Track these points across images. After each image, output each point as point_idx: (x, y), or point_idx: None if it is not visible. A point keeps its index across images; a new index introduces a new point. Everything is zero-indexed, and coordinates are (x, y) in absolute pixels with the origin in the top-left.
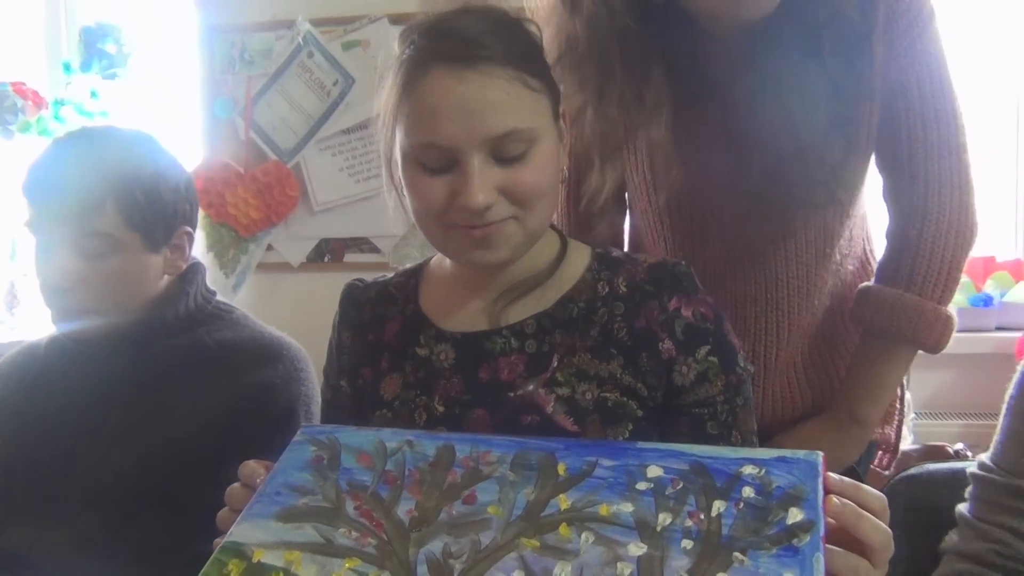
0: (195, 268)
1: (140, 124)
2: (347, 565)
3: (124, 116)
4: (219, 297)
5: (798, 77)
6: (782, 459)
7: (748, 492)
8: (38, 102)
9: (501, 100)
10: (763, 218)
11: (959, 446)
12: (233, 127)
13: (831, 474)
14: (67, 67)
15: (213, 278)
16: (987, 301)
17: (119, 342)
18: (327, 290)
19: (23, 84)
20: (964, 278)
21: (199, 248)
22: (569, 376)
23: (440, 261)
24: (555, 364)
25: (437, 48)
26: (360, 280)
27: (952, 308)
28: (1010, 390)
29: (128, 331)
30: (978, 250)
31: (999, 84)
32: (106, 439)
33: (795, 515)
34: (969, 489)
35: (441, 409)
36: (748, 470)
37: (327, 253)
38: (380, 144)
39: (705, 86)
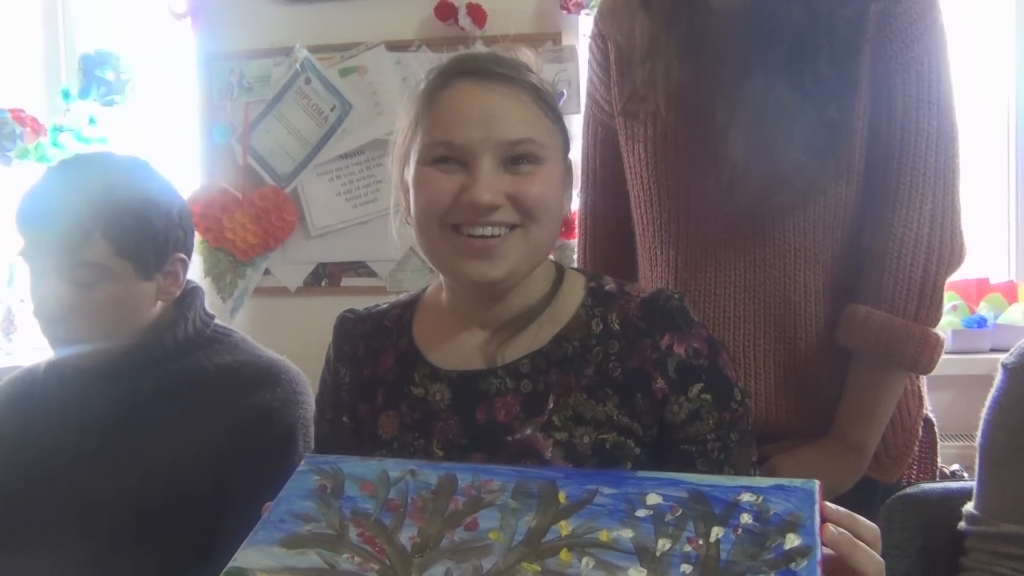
0: (194, 292)
1: (138, 150)
2: None
3: (122, 142)
4: (217, 321)
5: (792, 71)
6: (779, 487)
7: (746, 519)
8: (37, 129)
9: (520, 110)
10: (744, 202)
11: (955, 467)
12: (231, 153)
13: (827, 503)
14: (66, 94)
15: (210, 302)
16: (981, 323)
17: (117, 367)
18: (325, 314)
19: (22, 111)
20: (958, 300)
21: (197, 273)
22: (566, 420)
23: (435, 293)
24: (551, 405)
25: (460, 67)
26: (351, 311)
27: (939, 327)
28: (979, 438)
29: (126, 356)
30: (971, 272)
31: (991, 106)
32: (104, 464)
33: (792, 541)
34: (964, 543)
35: (440, 453)
36: (746, 497)
37: (324, 277)
38: (393, 170)
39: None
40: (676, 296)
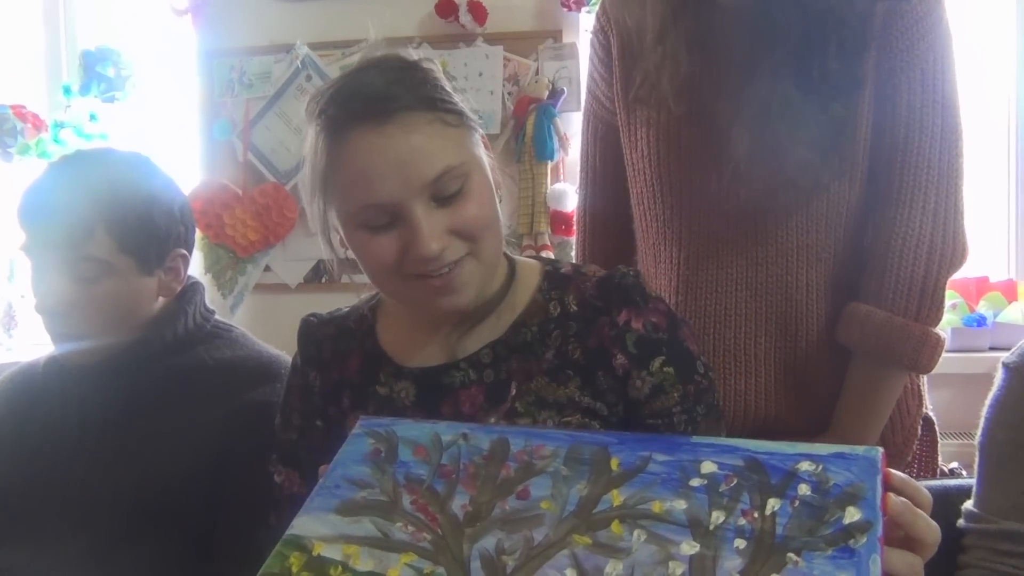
0: (194, 287)
1: (139, 147)
2: (403, 560)
3: (123, 139)
4: (217, 316)
5: (798, 68)
6: (840, 455)
7: (804, 490)
8: (38, 125)
9: (426, 143)
10: (747, 199)
11: (953, 465)
12: (231, 149)
13: (892, 471)
14: (67, 90)
15: (211, 299)
16: (980, 321)
17: (117, 362)
18: (324, 311)
19: (23, 107)
20: (957, 298)
21: (197, 269)
22: (528, 405)
23: None
24: (513, 392)
25: (349, 111)
26: (315, 316)
27: (940, 327)
28: (979, 436)
29: (126, 351)
30: (971, 271)
31: (991, 105)
32: (104, 459)
33: (852, 514)
34: (963, 541)
35: None
36: (804, 466)
37: (324, 274)
38: (310, 216)
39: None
40: (632, 272)
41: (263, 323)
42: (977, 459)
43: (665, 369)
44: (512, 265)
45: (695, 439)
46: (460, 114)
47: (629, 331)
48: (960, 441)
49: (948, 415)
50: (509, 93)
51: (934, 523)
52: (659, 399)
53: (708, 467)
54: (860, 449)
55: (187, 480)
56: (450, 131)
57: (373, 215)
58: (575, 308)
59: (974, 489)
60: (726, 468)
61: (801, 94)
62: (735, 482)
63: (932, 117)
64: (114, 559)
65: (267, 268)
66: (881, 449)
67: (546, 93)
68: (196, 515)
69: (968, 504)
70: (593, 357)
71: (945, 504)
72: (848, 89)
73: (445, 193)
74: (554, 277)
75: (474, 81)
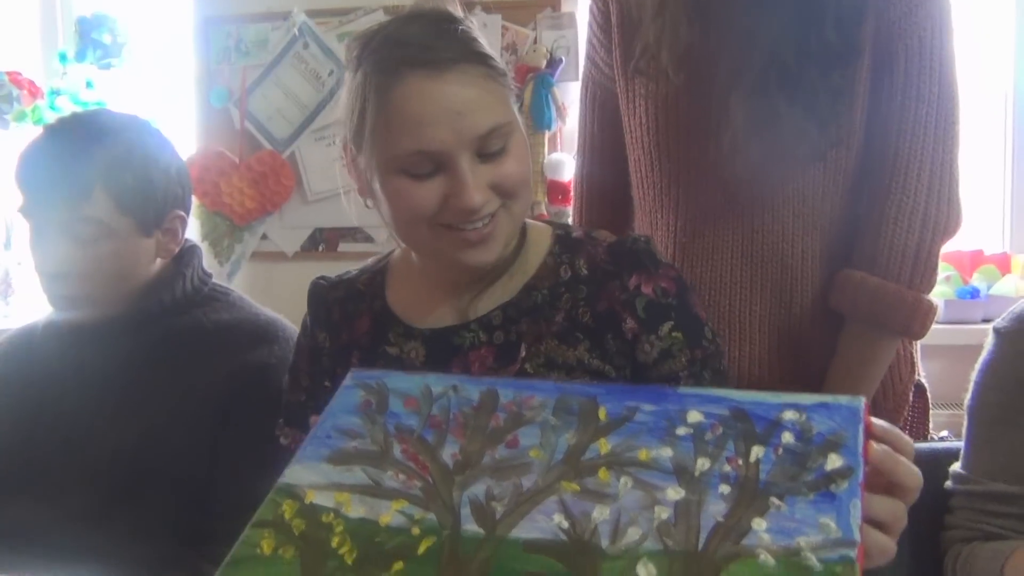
0: (191, 251)
1: (136, 113)
2: (394, 507)
3: (119, 106)
4: (215, 279)
5: (797, 36)
6: (824, 405)
7: (788, 438)
8: (34, 92)
9: (481, 97)
10: (744, 168)
11: (944, 434)
12: (228, 117)
13: (874, 420)
14: (63, 57)
15: (208, 267)
16: (974, 294)
17: (117, 324)
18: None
19: (19, 74)
20: (951, 271)
21: (194, 237)
22: (538, 367)
23: (405, 255)
24: (523, 353)
25: (404, 55)
26: (324, 278)
27: (934, 298)
28: (968, 400)
29: (126, 313)
30: (965, 243)
31: (988, 78)
32: (104, 419)
33: (834, 461)
34: (950, 502)
35: None
36: (789, 415)
37: (321, 242)
38: (344, 156)
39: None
40: (643, 239)
41: (260, 291)
42: (965, 423)
43: (674, 334)
44: (523, 228)
45: (681, 389)
46: (504, 75)
47: (639, 295)
48: (951, 411)
49: (940, 386)
50: (507, 62)
51: (915, 468)
52: (667, 363)
53: (694, 416)
54: (843, 399)
55: (185, 440)
56: (500, 89)
57: (417, 161)
58: (586, 272)
59: (961, 452)
60: (712, 417)
61: (799, 64)
62: (720, 430)
63: (929, 84)
64: (114, 516)
65: (264, 236)
66: (863, 398)
67: (544, 62)
68: (195, 474)
69: (955, 466)
70: (603, 320)
71: (933, 466)
72: (846, 58)
73: (490, 150)
74: (565, 241)
75: None
